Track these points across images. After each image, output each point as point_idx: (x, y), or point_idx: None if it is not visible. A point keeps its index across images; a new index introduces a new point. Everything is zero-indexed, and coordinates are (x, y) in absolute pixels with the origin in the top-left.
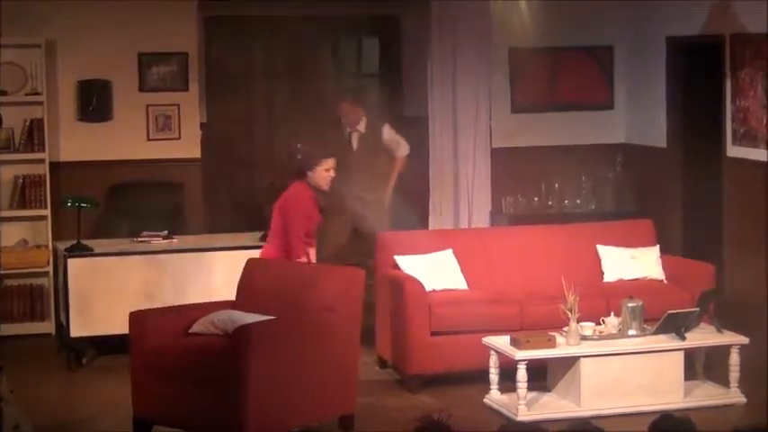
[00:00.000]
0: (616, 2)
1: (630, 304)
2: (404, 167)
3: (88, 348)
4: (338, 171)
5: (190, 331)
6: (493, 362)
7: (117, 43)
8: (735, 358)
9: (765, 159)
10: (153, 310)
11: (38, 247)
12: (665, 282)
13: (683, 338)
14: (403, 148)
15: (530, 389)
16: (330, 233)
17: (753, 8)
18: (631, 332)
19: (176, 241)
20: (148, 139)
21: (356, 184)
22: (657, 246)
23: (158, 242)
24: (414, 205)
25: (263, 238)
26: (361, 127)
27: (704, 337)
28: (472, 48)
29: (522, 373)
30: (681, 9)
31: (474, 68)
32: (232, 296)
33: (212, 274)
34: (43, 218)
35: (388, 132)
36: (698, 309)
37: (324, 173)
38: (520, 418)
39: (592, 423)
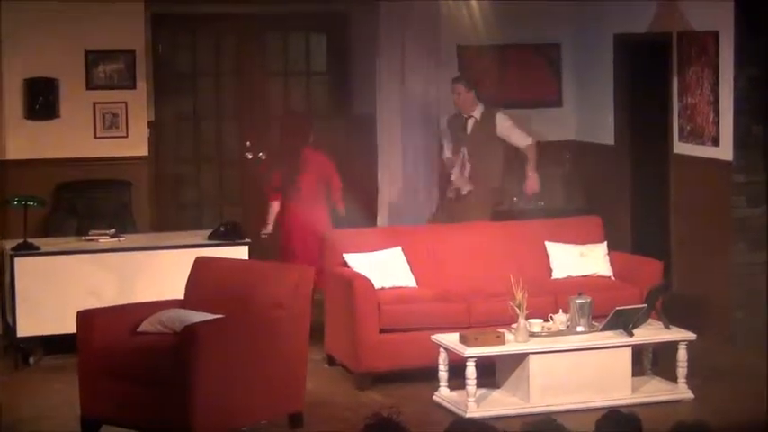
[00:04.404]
0: (563, 0)
1: (579, 301)
2: (537, 154)
3: (35, 348)
4: (454, 155)
5: (138, 330)
6: (442, 359)
7: (64, 41)
8: (682, 354)
9: (711, 156)
10: (100, 309)
11: None
12: (614, 278)
13: (631, 335)
14: (519, 137)
15: (479, 386)
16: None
17: (699, 6)
18: (579, 329)
19: (124, 240)
20: (96, 138)
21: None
22: (606, 242)
23: (106, 241)
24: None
25: (211, 237)
26: (477, 114)
27: (652, 333)
28: (421, 45)
29: (471, 370)
30: (628, 7)
31: (422, 66)
32: (180, 295)
33: (160, 273)
34: None
35: (500, 120)
36: (646, 305)
37: None
38: (469, 415)
39: (554, 419)
